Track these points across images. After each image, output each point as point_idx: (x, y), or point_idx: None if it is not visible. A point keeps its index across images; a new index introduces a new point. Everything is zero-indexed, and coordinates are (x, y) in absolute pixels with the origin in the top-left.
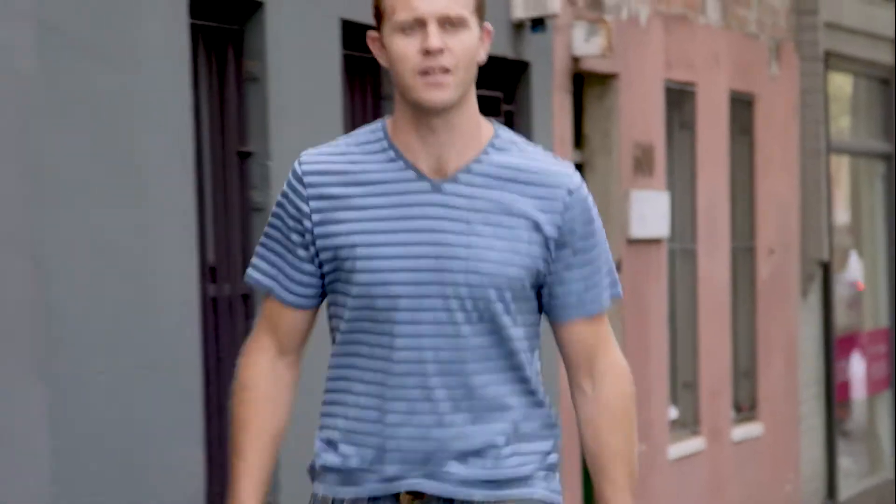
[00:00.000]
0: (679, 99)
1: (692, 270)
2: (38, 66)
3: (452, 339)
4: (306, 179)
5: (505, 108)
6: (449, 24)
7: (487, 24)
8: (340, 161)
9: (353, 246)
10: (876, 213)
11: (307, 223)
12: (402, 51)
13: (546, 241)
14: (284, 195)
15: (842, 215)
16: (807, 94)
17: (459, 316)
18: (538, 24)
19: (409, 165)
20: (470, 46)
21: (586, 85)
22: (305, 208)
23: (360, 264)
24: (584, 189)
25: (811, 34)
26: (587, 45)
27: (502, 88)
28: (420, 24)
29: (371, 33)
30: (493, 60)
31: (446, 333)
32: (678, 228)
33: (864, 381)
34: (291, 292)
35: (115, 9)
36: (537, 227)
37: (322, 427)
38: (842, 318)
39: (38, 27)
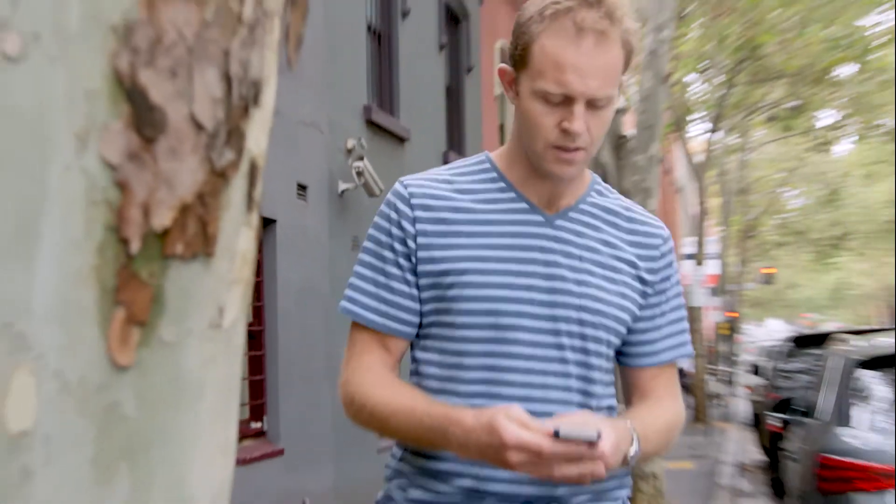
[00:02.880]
0: None
1: None
2: None
3: (562, 378)
4: (413, 201)
5: None
6: (595, 103)
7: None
8: (447, 188)
9: (463, 272)
10: None
11: (412, 244)
12: (539, 119)
13: (643, 289)
14: (386, 218)
15: None
16: None
17: (569, 354)
18: None
19: (522, 197)
20: (607, 122)
21: None
22: (411, 230)
23: (468, 292)
24: (672, 242)
25: None
26: None
27: None
28: (567, 99)
29: (506, 69)
30: None
31: (556, 371)
32: None
33: None
34: (400, 321)
35: None
36: (638, 273)
37: (404, 463)
38: None
39: None
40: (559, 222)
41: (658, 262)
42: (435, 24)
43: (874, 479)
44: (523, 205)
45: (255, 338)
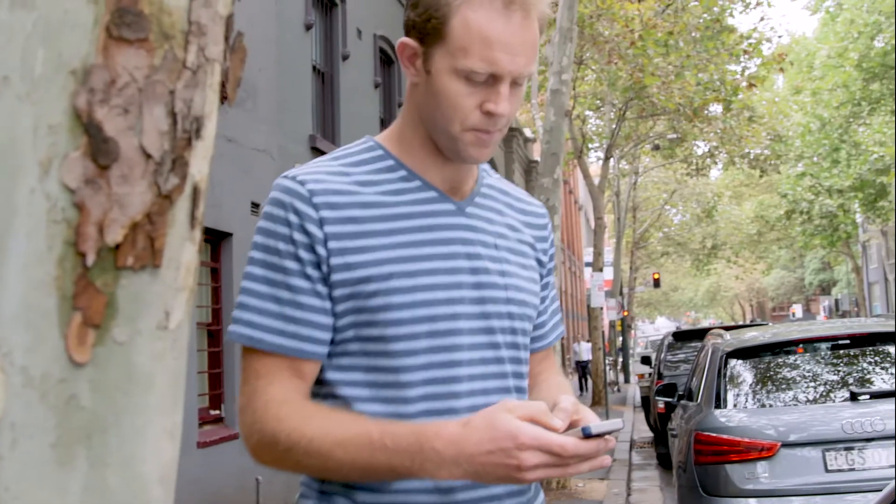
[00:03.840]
0: None
1: None
2: None
3: (500, 380)
4: (316, 199)
5: None
6: (516, 82)
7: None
8: (345, 181)
9: (388, 277)
10: None
11: (321, 251)
12: (459, 100)
13: (540, 271)
14: (283, 222)
15: None
16: None
17: (504, 352)
18: None
19: (429, 185)
20: (521, 99)
21: None
22: (318, 233)
23: (396, 299)
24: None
25: None
26: None
27: None
28: (493, 78)
29: (409, 43)
30: None
31: (494, 373)
32: None
33: None
34: (313, 341)
35: None
36: (536, 255)
37: (340, 492)
38: None
39: None
40: (469, 209)
41: (546, 244)
42: (371, 66)
43: (743, 452)
44: (432, 193)
45: (214, 336)
